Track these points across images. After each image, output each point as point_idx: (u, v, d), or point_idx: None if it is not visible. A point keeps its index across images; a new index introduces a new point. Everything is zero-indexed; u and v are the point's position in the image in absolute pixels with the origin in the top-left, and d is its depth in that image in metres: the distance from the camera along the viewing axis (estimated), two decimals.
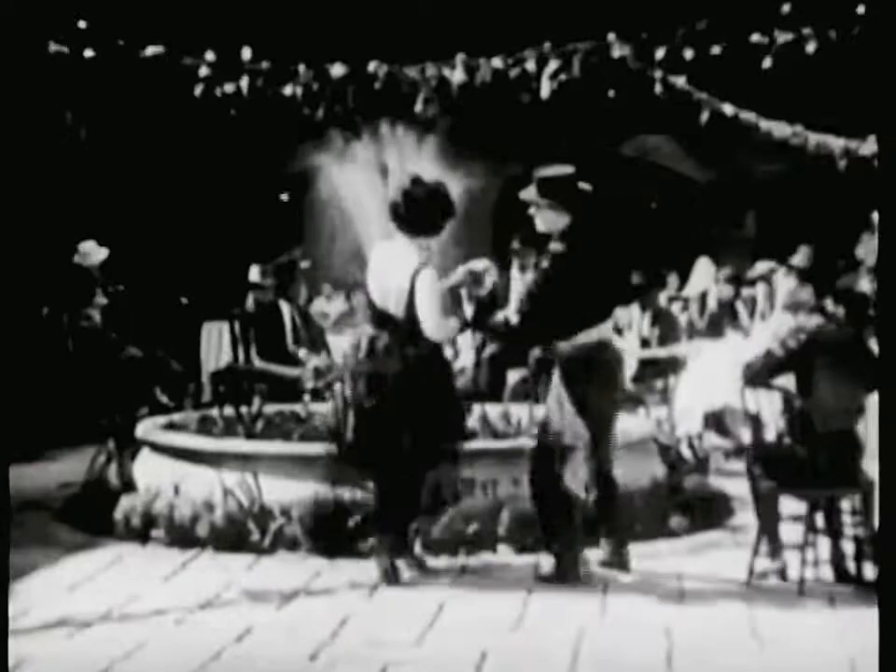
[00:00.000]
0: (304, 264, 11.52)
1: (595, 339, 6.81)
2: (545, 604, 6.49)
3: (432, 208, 6.78)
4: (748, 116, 12.03)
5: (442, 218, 6.84)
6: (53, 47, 11.90)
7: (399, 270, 6.72)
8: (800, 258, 13.75)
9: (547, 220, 6.87)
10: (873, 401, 6.89)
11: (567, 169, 6.93)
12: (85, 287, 11.93)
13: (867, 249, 11.89)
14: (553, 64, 11.51)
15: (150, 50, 12.10)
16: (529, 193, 6.90)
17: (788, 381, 6.93)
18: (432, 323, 6.67)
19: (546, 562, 6.94)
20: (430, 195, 6.76)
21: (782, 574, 6.93)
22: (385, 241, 7.00)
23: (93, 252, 12.09)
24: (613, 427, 6.95)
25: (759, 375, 6.96)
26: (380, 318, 6.80)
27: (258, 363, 11.09)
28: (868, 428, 6.89)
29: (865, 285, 11.22)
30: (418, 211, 6.74)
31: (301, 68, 11.91)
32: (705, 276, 13.58)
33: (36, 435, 10.54)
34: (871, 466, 6.90)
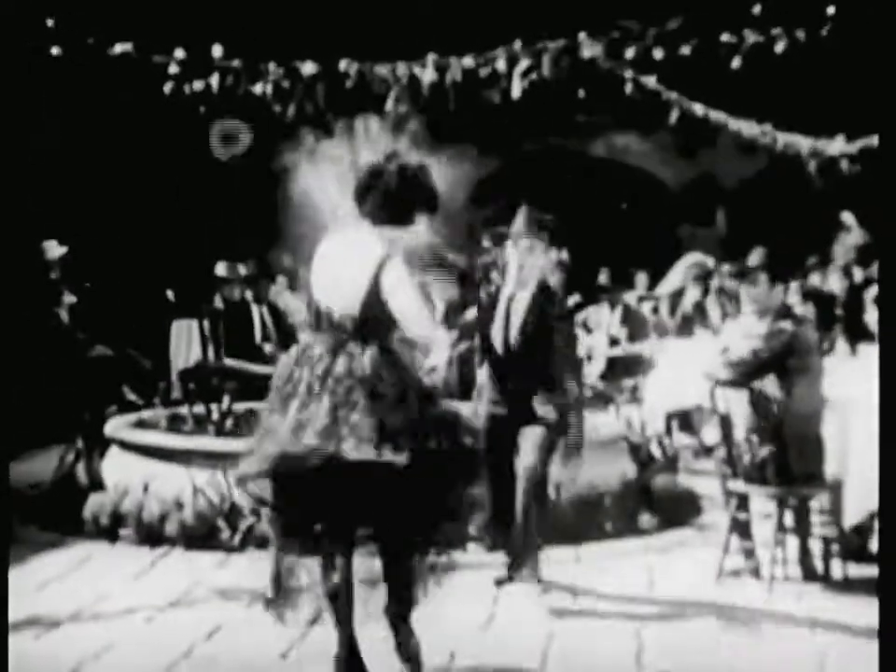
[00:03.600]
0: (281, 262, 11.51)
1: None
2: (515, 603, 6.49)
3: (408, 192, 5.41)
4: (717, 115, 12.08)
5: (420, 207, 5.47)
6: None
7: (354, 262, 5.34)
8: (755, 258, 13.79)
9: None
10: (838, 402, 6.94)
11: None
12: (49, 285, 11.85)
13: (841, 248, 11.93)
14: (523, 63, 11.54)
15: (119, 48, 12.08)
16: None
17: (762, 381, 6.94)
18: (417, 320, 5.35)
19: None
20: (408, 176, 5.40)
21: (756, 573, 6.96)
22: (340, 230, 5.58)
23: (49, 249, 12.01)
24: None
25: (744, 375, 6.94)
26: (319, 321, 5.40)
27: (227, 361, 11.06)
28: (826, 428, 6.93)
29: (835, 284, 11.27)
30: (390, 193, 5.38)
31: (272, 66, 11.91)
32: (680, 278, 13.60)
33: (4, 434, 10.46)
34: (834, 466, 6.94)
